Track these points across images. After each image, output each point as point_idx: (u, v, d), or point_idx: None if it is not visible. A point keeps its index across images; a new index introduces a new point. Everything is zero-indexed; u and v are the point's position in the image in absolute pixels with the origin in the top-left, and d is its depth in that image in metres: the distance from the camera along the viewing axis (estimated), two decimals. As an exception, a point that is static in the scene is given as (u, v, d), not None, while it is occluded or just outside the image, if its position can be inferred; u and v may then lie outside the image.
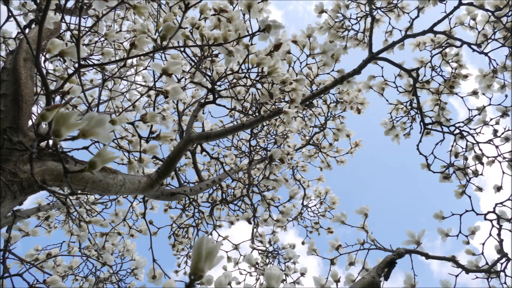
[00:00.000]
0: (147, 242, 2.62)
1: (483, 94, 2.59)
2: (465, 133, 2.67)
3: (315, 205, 3.40)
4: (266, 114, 2.11)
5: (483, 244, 2.05)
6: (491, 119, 2.61)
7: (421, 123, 2.81)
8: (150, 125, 1.51)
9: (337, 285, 1.87)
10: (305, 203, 3.39)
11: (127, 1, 1.40)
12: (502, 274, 1.87)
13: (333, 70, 2.45)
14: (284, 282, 2.67)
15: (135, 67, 3.07)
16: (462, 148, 2.69)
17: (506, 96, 2.51)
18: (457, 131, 2.70)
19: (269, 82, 1.94)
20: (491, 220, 2.13)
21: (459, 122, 2.71)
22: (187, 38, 1.86)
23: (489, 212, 2.16)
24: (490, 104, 2.59)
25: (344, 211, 2.14)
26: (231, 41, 1.60)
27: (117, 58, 2.66)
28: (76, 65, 1.06)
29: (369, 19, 2.70)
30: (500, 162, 2.51)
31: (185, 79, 2.31)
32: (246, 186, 2.71)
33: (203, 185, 2.15)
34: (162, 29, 1.19)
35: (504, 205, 2.16)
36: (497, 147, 2.55)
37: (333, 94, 3.10)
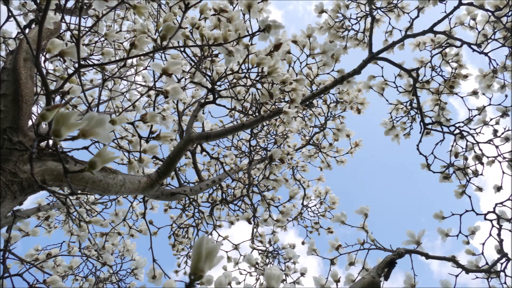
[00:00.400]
0: (147, 242, 2.62)
1: (483, 94, 2.59)
2: (465, 133, 2.67)
3: (315, 205, 3.40)
4: (266, 114, 2.11)
5: (483, 244, 2.05)
6: (491, 119, 2.61)
7: (421, 123, 2.81)
8: (150, 125, 1.51)
9: (337, 285, 1.87)
10: (305, 203, 3.40)
11: (127, 1, 1.40)
12: (502, 274, 1.87)
13: (333, 70, 2.45)
14: (284, 282, 2.67)
15: (135, 67, 3.07)
16: (462, 148, 2.69)
17: (506, 96, 2.51)
18: (457, 131, 2.70)
19: (269, 82, 1.94)
20: (491, 220, 2.13)
21: (459, 122, 2.71)
22: (187, 38, 1.86)
23: (489, 212, 2.16)
24: (490, 104, 2.59)
25: (344, 211, 2.15)
26: (231, 41, 1.60)
27: (117, 58, 2.66)
28: (76, 65, 1.06)
29: (369, 19, 2.70)
30: (500, 162, 2.51)
31: (185, 79, 2.31)
32: (246, 186, 2.71)
33: (203, 185, 2.15)
34: (162, 29, 1.19)
35: (504, 205, 2.16)
36: (497, 147, 2.55)
37: (333, 94, 3.10)
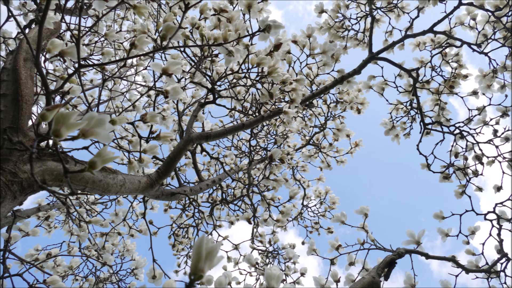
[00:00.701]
0: (147, 242, 2.62)
1: (483, 94, 2.59)
2: (465, 133, 2.67)
3: (315, 205, 3.40)
4: (266, 114, 2.11)
5: (483, 244, 2.05)
6: (491, 119, 2.61)
7: (421, 123, 2.81)
8: (150, 125, 1.51)
9: (337, 285, 1.87)
10: (305, 203, 3.40)
11: (127, 1, 1.40)
12: (502, 274, 1.87)
13: (333, 70, 2.45)
14: (284, 282, 2.67)
15: (135, 67, 3.07)
16: (462, 148, 2.69)
17: (506, 96, 2.51)
18: (457, 131, 2.70)
19: (269, 82, 1.94)
20: (491, 220, 2.13)
21: (459, 122, 2.71)
22: (187, 38, 1.86)
23: (489, 212, 2.16)
24: (490, 104, 2.59)
25: (344, 211, 2.15)
26: (231, 41, 1.60)
27: (117, 58, 2.66)
28: (76, 65, 1.06)
29: (369, 19, 2.70)
30: (500, 162, 2.51)
31: (185, 79, 2.31)
32: (246, 186, 2.71)
33: (203, 185, 2.15)
34: (162, 29, 1.19)
35: (504, 205, 2.17)
36: (497, 147, 2.55)
37: (333, 94, 3.10)
